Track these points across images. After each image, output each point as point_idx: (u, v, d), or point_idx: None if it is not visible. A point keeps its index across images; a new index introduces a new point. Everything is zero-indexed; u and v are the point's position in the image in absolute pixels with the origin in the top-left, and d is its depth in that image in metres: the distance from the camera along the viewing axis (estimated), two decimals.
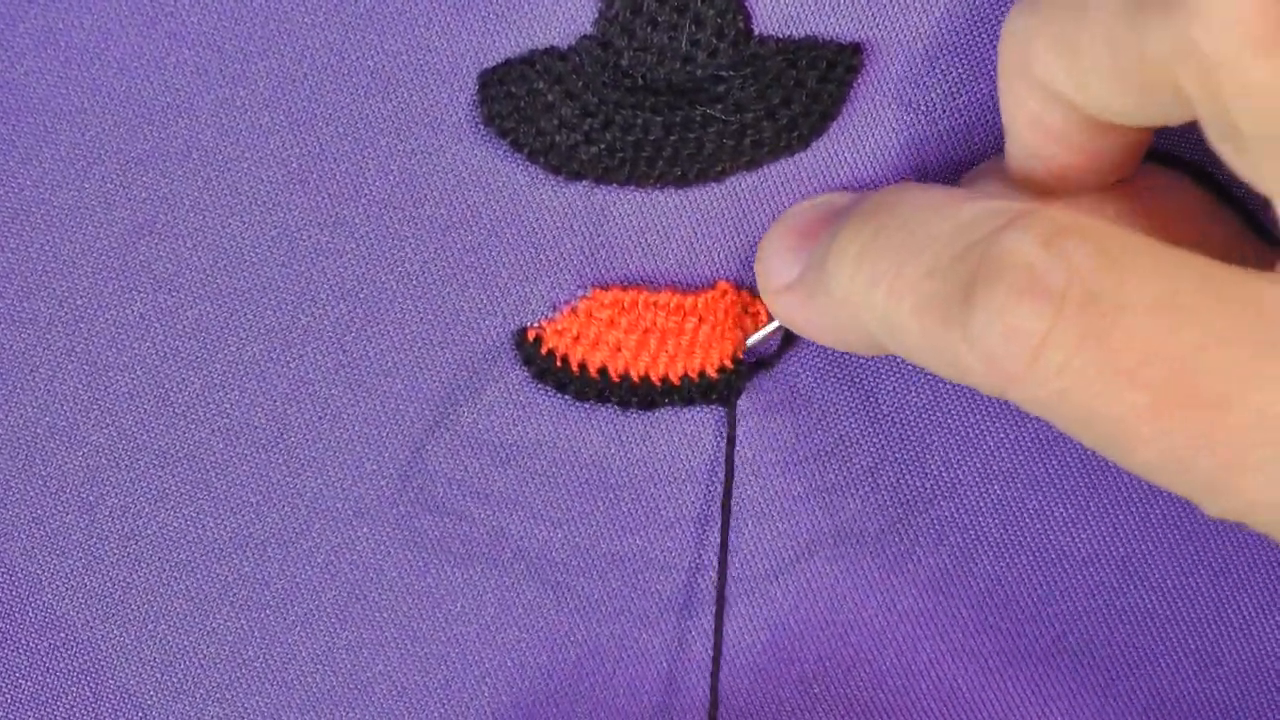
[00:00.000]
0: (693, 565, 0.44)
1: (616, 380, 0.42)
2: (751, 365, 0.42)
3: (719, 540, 0.44)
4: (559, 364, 0.42)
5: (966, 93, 0.41)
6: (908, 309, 0.35)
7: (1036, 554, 0.44)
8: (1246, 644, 0.45)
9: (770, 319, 0.42)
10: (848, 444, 0.44)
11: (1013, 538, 0.44)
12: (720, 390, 0.42)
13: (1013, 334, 0.33)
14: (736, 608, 0.44)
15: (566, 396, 0.42)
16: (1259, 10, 0.30)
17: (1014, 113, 0.37)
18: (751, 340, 0.42)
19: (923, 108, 0.41)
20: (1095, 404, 0.33)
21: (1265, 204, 0.34)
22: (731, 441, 0.42)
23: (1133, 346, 0.32)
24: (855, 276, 0.37)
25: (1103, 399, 0.33)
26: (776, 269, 0.40)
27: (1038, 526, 0.44)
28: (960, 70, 0.41)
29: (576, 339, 0.42)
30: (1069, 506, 0.44)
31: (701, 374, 0.42)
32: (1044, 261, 0.33)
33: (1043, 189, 0.38)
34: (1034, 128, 0.37)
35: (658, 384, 0.42)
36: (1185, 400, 0.32)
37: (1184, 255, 0.33)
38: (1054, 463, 0.44)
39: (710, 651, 0.44)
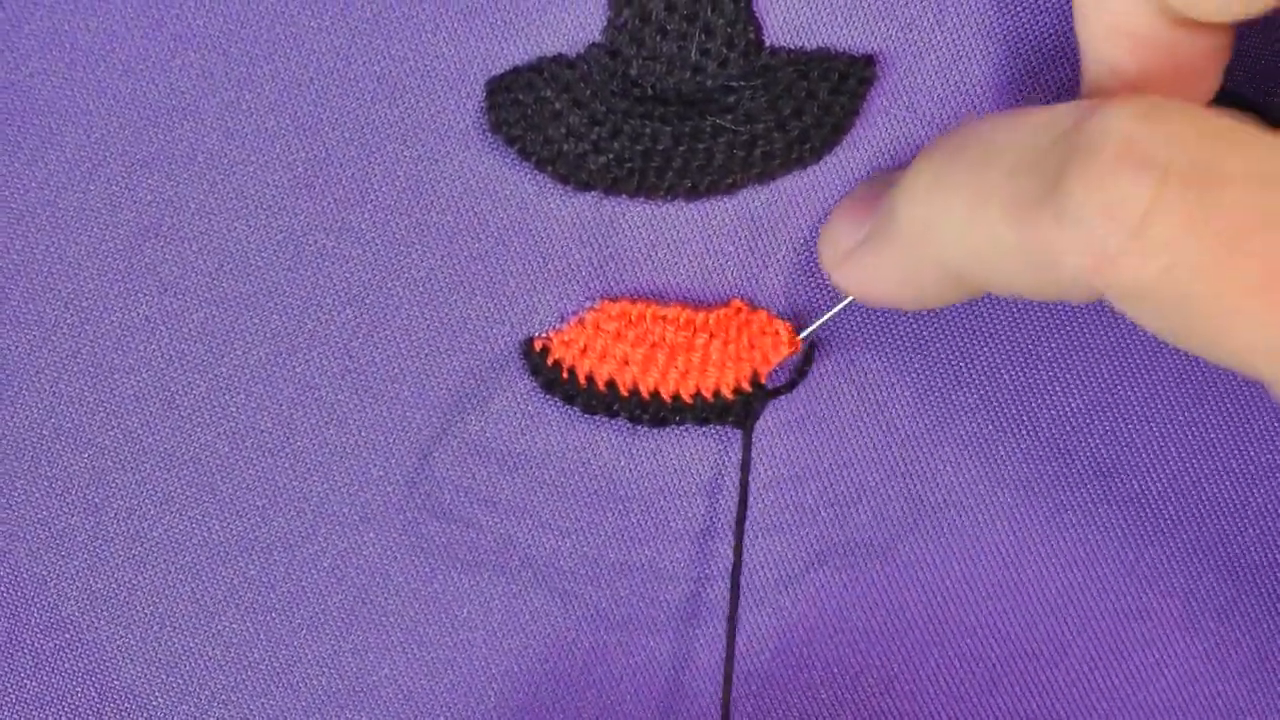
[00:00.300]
0: (700, 575, 0.44)
1: (626, 395, 0.41)
2: (770, 392, 0.42)
3: (729, 553, 0.43)
4: (566, 375, 0.42)
5: (980, 105, 0.41)
6: (995, 213, 0.33)
7: (1044, 560, 0.44)
8: (1256, 647, 0.45)
9: (797, 331, 0.41)
10: (859, 457, 0.43)
11: (1021, 545, 0.44)
12: (736, 413, 0.42)
13: (1115, 205, 0.31)
14: (746, 616, 0.44)
15: (573, 408, 0.42)
16: None
17: (1093, 19, 0.36)
18: (812, 327, 0.41)
19: (937, 120, 0.40)
20: (1200, 280, 0.31)
21: None
22: (746, 466, 0.42)
23: (1242, 219, 0.31)
24: (931, 201, 0.35)
25: (1210, 274, 0.31)
26: (838, 236, 0.39)
27: (1046, 534, 0.44)
28: (974, 82, 0.40)
29: (584, 350, 0.41)
30: (1077, 513, 0.44)
31: (716, 394, 0.41)
32: (1144, 132, 0.31)
33: None
34: (1113, 35, 0.35)
35: (668, 401, 0.41)
36: None
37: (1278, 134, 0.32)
38: (1062, 471, 0.44)
39: (718, 660, 0.44)
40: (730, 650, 0.43)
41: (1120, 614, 0.45)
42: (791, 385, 0.42)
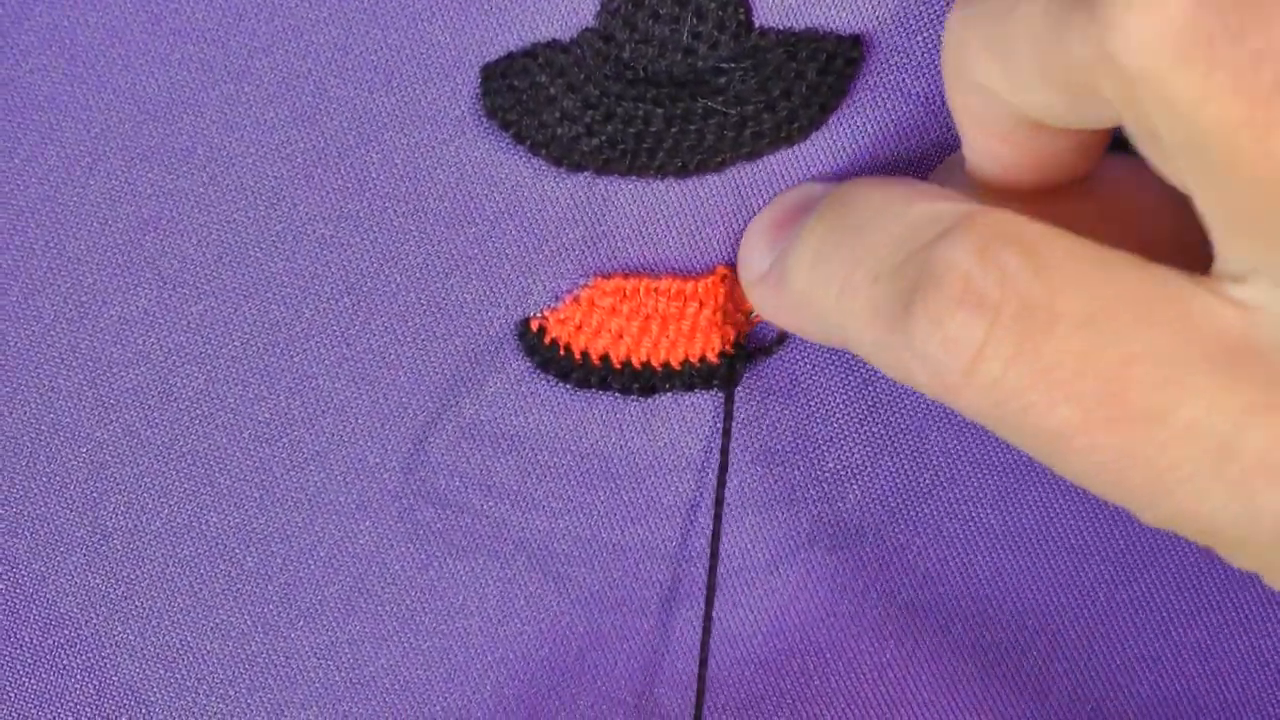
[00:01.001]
0: (692, 554, 0.44)
1: (618, 367, 0.42)
2: (752, 351, 0.43)
3: (722, 530, 0.44)
4: (562, 353, 0.42)
5: None
6: (858, 313, 0.36)
7: (1037, 545, 0.45)
8: (1248, 637, 0.45)
9: None
10: (846, 434, 0.44)
11: (1012, 529, 0.44)
12: (720, 375, 0.42)
13: (950, 344, 0.33)
14: (737, 598, 0.44)
15: (568, 386, 0.42)
16: (1175, 23, 0.30)
17: (960, 114, 0.37)
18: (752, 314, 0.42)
19: (922, 99, 0.41)
20: (1029, 416, 0.33)
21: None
22: (728, 431, 0.43)
23: (1065, 360, 0.33)
24: (812, 276, 0.38)
25: (1036, 411, 0.33)
26: (753, 260, 0.41)
27: (1037, 517, 0.44)
28: None
29: (579, 327, 0.42)
30: (1069, 498, 0.44)
31: (702, 359, 0.42)
32: (979, 272, 0.33)
33: (997, 187, 0.38)
34: (979, 129, 0.37)
35: (658, 369, 0.42)
36: (1116, 415, 0.32)
37: (1119, 259, 0.33)
38: None
39: (712, 641, 0.44)
40: (707, 624, 0.43)
41: (1113, 603, 0.45)
42: (775, 345, 0.43)
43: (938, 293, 0.34)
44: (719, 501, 0.43)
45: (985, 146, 0.37)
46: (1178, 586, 0.45)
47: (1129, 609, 0.45)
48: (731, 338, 0.42)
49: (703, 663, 0.43)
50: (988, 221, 0.34)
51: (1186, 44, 0.31)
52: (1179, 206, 0.37)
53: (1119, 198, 0.38)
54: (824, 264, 0.37)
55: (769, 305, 0.40)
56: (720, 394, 0.43)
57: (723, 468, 0.43)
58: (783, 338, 0.43)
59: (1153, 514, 0.33)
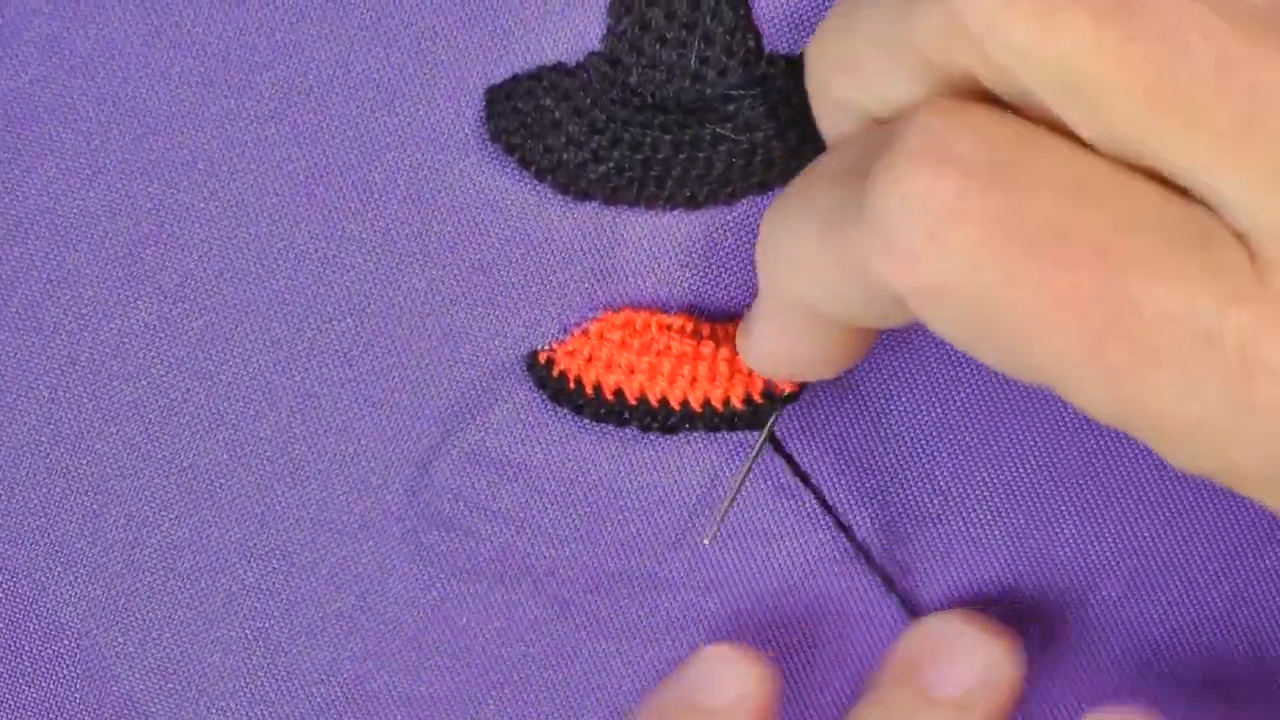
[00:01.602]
0: (698, 585, 0.44)
1: (634, 403, 0.41)
2: (786, 398, 0.42)
3: (729, 562, 0.43)
4: (572, 385, 0.41)
5: None
6: (813, 229, 0.33)
7: (1044, 566, 0.44)
8: (1253, 652, 0.45)
9: None
10: (858, 465, 0.43)
11: (1020, 550, 0.44)
12: (746, 421, 0.41)
13: (914, 201, 0.30)
14: (744, 624, 0.44)
15: (581, 418, 0.42)
16: None
17: (832, 138, 0.36)
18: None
19: None
20: (1001, 287, 0.30)
21: None
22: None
23: (1050, 225, 0.30)
24: (771, 238, 0.36)
25: (1012, 282, 0.30)
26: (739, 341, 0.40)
27: (1045, 538, 0.44)
28: None
29: (589, 360, 0.41)
30: (1077, 518, 0.44)
31: (726, 403, 0.41)
32: (948, 125, 0.31)
33: None
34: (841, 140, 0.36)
35: (677, 409, 0.41)
36: (1099, 287, 0.30)
37: (1087, 150, 0.31)
38: (1062, 475, 0.44)
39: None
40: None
41: (1117, 622, 0.45)
42: (799, 392, 0.42)
43: (899, 153, 0.31)
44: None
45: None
46: (1185, 603, 0.45)
47: (1135, 626, 0.45)
48: (760, 386, 0.41)
49: None
50: (954, 101, 0.32)
51: None
52: None
53: None
54: (779, 215, 0.35)
55: (755, 342, 0.39)
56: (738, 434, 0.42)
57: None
58: (798, 392, 0.42)
59: (1117, 399, 0.31)
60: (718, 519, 0.42)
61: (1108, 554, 0.44)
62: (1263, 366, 0.30)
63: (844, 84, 0.35)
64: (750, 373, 0.41)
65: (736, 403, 0.41)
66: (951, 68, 0.32)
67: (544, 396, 0.42)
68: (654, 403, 0.41)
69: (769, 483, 0.43)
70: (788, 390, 0.41)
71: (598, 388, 0.41)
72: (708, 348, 0.41)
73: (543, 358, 0.42)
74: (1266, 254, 0.31)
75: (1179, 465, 0.32)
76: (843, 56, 0.35)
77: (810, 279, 0.34)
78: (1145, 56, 0.30)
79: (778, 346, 0.38)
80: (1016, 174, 0.30)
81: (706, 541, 0.42)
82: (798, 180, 0.36)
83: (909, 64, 0.33)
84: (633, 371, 0.41)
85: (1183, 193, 0.32)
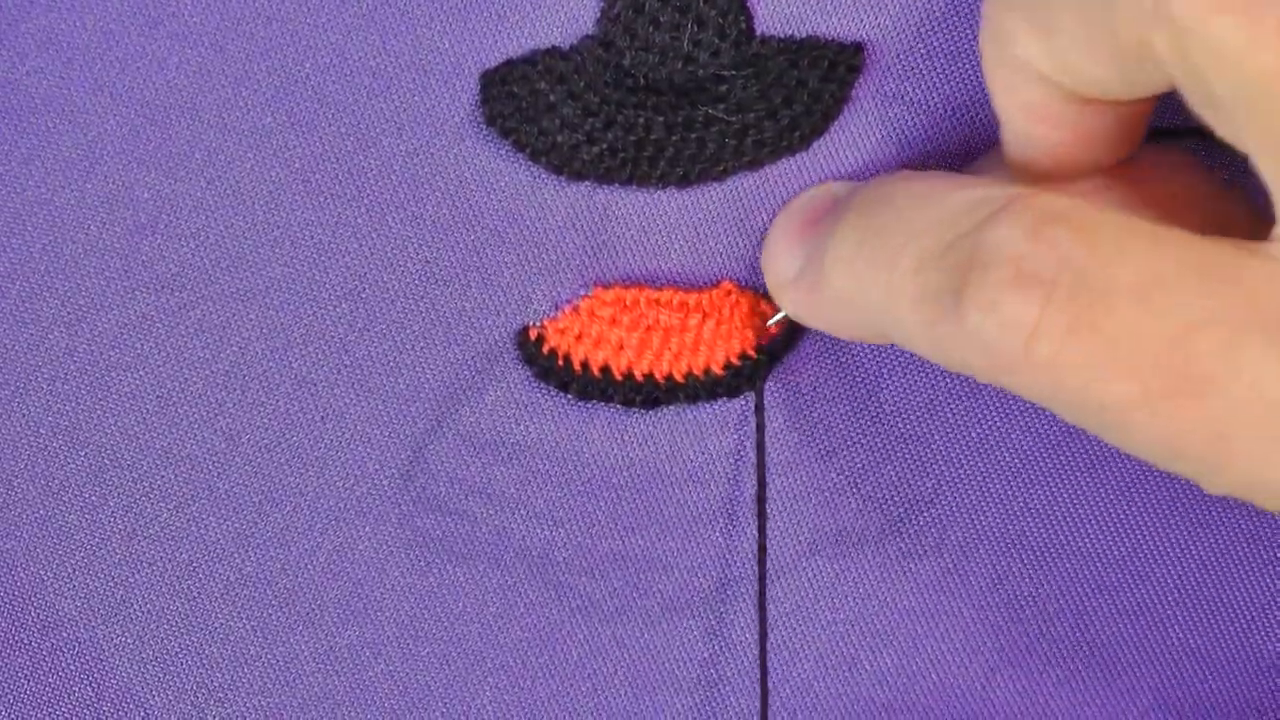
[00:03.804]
0: (694, 565, 0.44)
1: (620, 379, 0.42)
2: (768, 357, 0.42)
3: (720, 540, 0.44)
4: (561, 363, 0.42)
5: (968, 91, 0.41)
6: (906, 304, 0.35)
7: (1038, 551, 0.44)
8: (1248, 641, 0.45)
9: (778, 311, 0.42)
10: (849, 444, 0.44)
11: (1014, 535, 0.44)
12: (728, 386, 0.42)
13: (1006, 325, 0.33)
14: (736, 608, 0.44)
15: (569, 396, 0.42)
16: None
17: (1002, 99, 0.37)
18: (772, 322, 0.42)
19: (924, 106, 0.41)
20: (1088, 392, 0.33)
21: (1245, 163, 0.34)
22: (761, 428, 0.42)
23: (1121, 332, 0.32)
24: (851, 273, 0.37)
25: (1095, 386, 0.33)
26: (781, 263, 0.41)
27: (1040, 523, 0.44)
28: (962, 68, 0.41)
29: (579, 338, 0.42)
30: (1071, 503, 0.44)
31: (706, 371, 0.42)
32: (1032, 251, 0.33)
33: (1040, 173, 0.38)
34: (1023, 111, 0.36)
35: (661, 382, 0.42)
36: (1174, 386, 0.32)
37: (1171, 234, 0.33)
38: (1056, 459, 0.44)
39: (711, 651, 0.44)
40: (763, 627, 0.43)
41: (1113, 609, 0.45)
42: (779, 355, 0.42)
43: (990, 275, 0.33)
44: (761, 503, 0.43)
45: (1026, 130, 0.37)
46: (1181, 590, 0.45)
47: (1130, 613, 0.45)
48: (738, 351, 0.42)
49: (762, 662, 0.43)
50: (1036, 201, 0.34)
51: None
52: (1221, 189, 0.37)
53: (1160, 181, 0.38)
54: (865, 258, 0.37)
55: (804, 307, 0.40)
56: (728, 403, 0.43)
57: (760, 466, 0.43)
58: (789, 346, 0.43)
59: (1216, 484, 0.33)
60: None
61: (1103, 538, 0.44)
62: None
63: (1030, 43, 0.35)
64: (729, 337, 0.42)
65: (716, 369, 0.42)
66: (1145, 55, 0.32)
67: (534, 374, 0.42)
68: (639, 378, 0.42)
69: (763, 460, 0.43)
70: (772, 334, 0.42)
71: (585, 365, 0.42)
72: (695, 319, 0.42)
73: (533, 334, 0.42)
74: None
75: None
76: (1037, 17, 0.34)
77: (895, 330, 0.36)
78: None
79: (828, 322, 0.40)
80: (1093, 288, 0.32)
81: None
82: (878, 226, 0.37)
83: (1105, 40, 0.33)
84: (621, 348, 0.42)
85: None
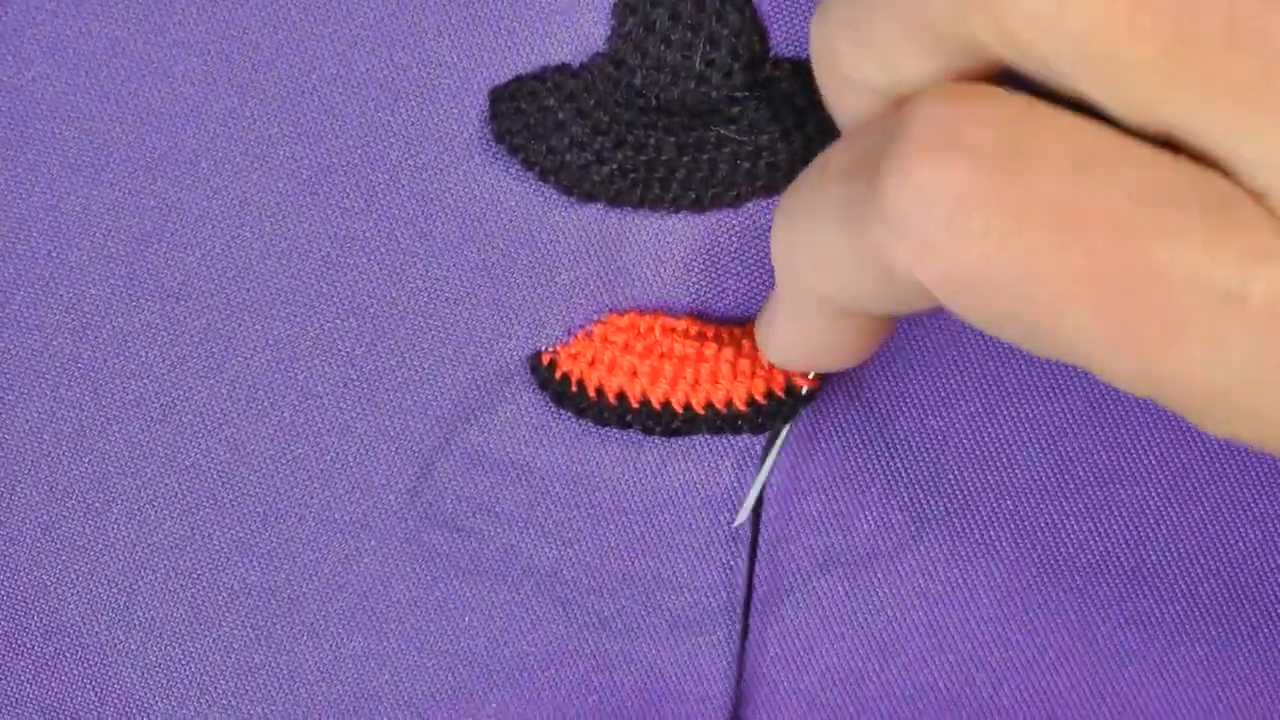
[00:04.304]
0: (704, 585, 0.44)
1: (637, 406, 0.41)
2: (793, 400, 0.41)
3: (731, 562, 0.43)
4: (574, 388, 0.41)
5: None
6: (830, 224, 0.33)
7: (1048, 566, 0.44)
8: (1256, 653, 0.45)
9: None
10: (863, 469, 0.43)
11: (1024, 551, 0.44)
12: (751, 423, 0.41)
13: (925, 190, 0.30)
14: (749, 624, 0.44)
15: (584, 421, 0.42)
16: None
17: (841, 117, 0.35)
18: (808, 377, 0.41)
19: None
20: (1024, 270, 0.30)
21: None
22: (769, 458, 0.42)
23: (1063, 204, 0.30)
24: (785, 233, 0.35)
25: (1034, 263, 0.30)
26: (761, 314, 0.40)
27: (1050, 539, 0.44)
28: None
29: (592, 363, 0.41)
30: (1081, 519, 0.44)
31: (729, 404, 0.41)
32: (954, 115, 0.30)
33: None
34: (854, 120, 0.35)
35: (680, 411, 0.41)
36: (1122, 262, 0.30)
37: (1091, 118, 0.31)
38: (1066, 476, 0.44)
39: (720, 668, 0.44)
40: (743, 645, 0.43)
41: (1121, 620, 0.45)
42: (818, 388, 0.42)
43: (906, 144, 0.30)
44: (755, 529, 0.43)
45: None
46: (1189, 603, 0.45)
47: (1139, 626, 0.45)
48: (763, 389, 0.41)
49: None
50: (953, 84, 0.31)
51: None
52: None
53: None
54: (792, 209, 0.35)
55: (772, 335, 0.39)
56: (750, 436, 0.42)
57: (759, 502, 0.42)
58: (815, 390, 0.42)
59: (1151, 377, 0.31)
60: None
61: (1112, 553, 0.44)
62: None
63: (854, 58, 0.33)
64: (753, 374, 0.41)
65: (739, 404, 0.41)
66: (967, 41, 0.31)
67: (547, 398, 0.42)
68: (656, 406, 0.41)
69: (770, 488, 0.43)
70: (806, 387, 0.41)
71: (600, 391, 0.41)
72: (710, 349, 0.41)
73: (546, 360, 0.41)
74: None
75: (1212, 433, 0.32)
76: (852, 28, 0.33)
77: (828, 270, 0.34)
78: (1154, 22, 0.29)
79: (797, 337, 0.38)
80: (1027, 155, 0.30)
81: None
82: (810, 170, 0.35)
83: (923, 37, 0.32)
84: (635, 375, 0.41)
85: (1200, 159, 0.31)
